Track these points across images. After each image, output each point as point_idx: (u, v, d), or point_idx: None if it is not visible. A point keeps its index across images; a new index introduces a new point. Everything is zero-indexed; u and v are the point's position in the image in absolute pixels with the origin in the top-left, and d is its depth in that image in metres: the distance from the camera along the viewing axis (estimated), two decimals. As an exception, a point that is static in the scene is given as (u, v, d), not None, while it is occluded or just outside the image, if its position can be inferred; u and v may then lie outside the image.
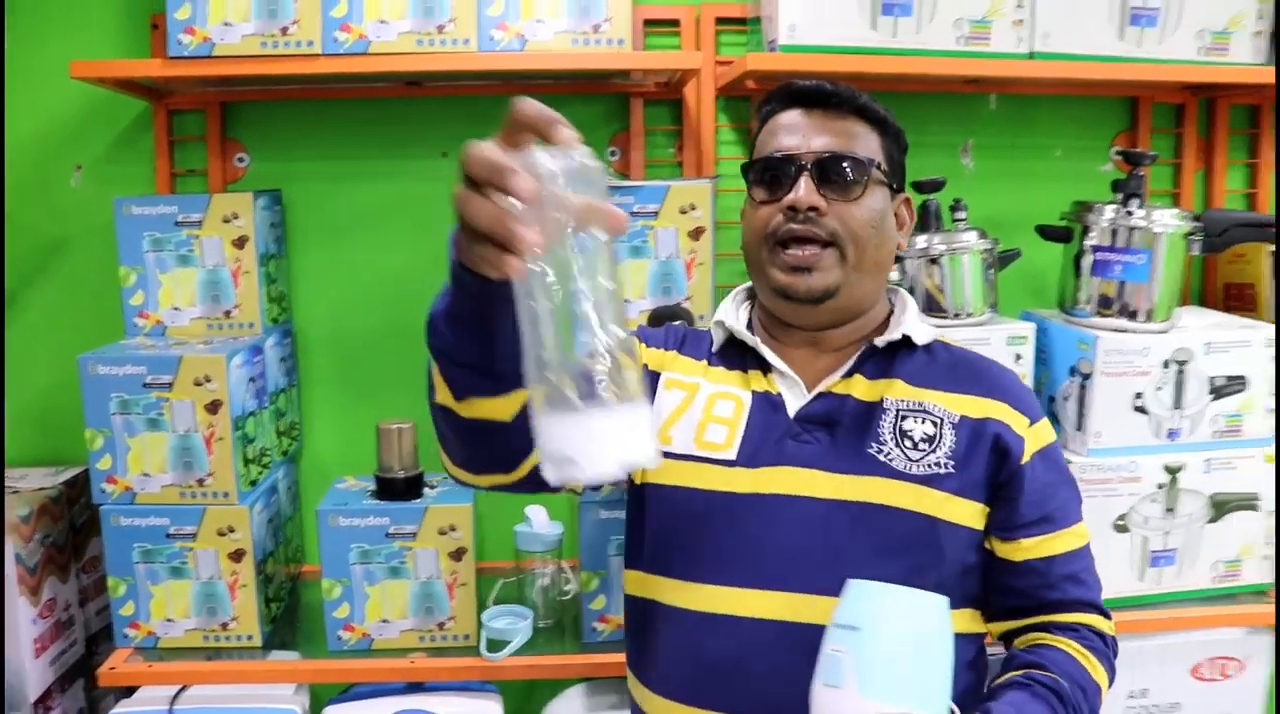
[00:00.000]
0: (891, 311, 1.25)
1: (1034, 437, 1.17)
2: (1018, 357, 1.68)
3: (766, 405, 1.17)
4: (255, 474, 1.68)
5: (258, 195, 1.73)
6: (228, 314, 1.73)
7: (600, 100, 1.92)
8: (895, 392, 1.16)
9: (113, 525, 1.60)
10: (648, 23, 1.88)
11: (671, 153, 1.94)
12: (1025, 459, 1.15)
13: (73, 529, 1.78)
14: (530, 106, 0.74)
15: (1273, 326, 1.75)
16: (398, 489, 1.64)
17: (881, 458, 1.12)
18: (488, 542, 1.73)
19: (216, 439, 1.58)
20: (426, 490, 1.67)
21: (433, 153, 1.93)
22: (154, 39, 1.80)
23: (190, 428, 1.58)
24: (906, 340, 1.19)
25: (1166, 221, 1.69)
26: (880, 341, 1.18)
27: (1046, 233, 1.78)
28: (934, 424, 1.14)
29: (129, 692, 1.65)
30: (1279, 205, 1.98)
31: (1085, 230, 1.73)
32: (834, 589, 0.99)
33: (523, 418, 0.92)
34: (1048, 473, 1.17)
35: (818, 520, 1.10)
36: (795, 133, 1.16)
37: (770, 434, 1.15)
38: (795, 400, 1.17)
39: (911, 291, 1.68)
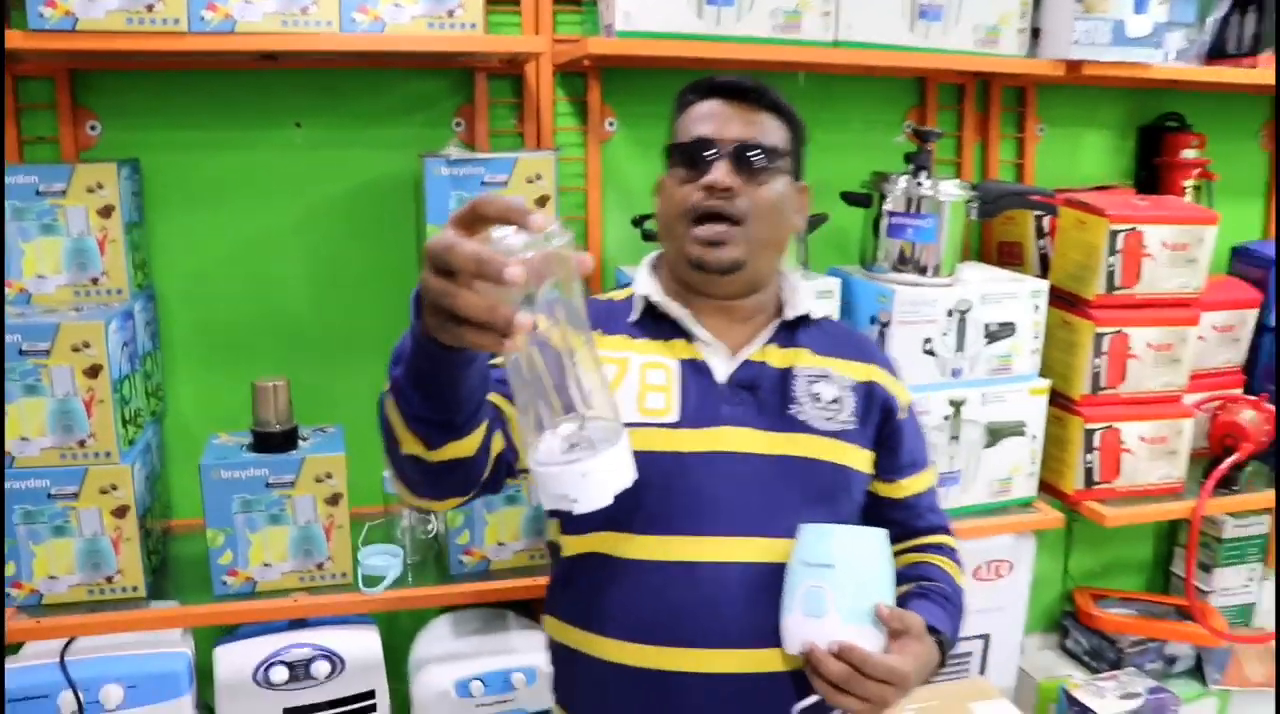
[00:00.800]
0: (783, 289, 1.44)
1: (903, 395, 1.45)
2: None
3: (694, 371, 1.33)
4: (132, 434, 1.79)
5: (120, 165, 1.82)
6: (95, 281, 1.82)
7: (446, 75, 2.08)
8: (803, 360, 1.36)
9: (-13, 488, 1.69)
10: (490, 1, 2.05)
11: (513, 124, 2.13)
12: (903, 415, 1.42)
13: (-63, 495, 1.84)
14: (498, 204, 0.84)
15: (1039, 280, 2.11)
16: (275, 442, 1.79)
17: (801, 417, 1.32)
18: (357, 488, 1.90)
19: (97, 401, 1.68)
20: (301, 442, 1.83)
21: (287, 123, 2.05)
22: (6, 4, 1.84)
23: (69, 392, 1.67)
24: (806, 316, 1.40)
25: (950, 191, 2.01)
26: (790, 316, 1.38)
27: (849, 198, 2.08)
28: (837, 388, 1.36)
29: (13, 649, 1.76)
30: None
31: (882, 197, 2.04)
32: (776, 532, 1.25)
33: (483, 448, 1.13)
34: (912, 424, 1.46)
35: (756, 473, 1.29)
36: (715, 121, 1.32)
37: (705, 397, 1.31)
38: (721, 366, 1.34)
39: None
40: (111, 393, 1.69)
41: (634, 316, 1.38)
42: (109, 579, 1.75)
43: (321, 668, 1.76)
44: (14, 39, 1.67)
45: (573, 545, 1.34)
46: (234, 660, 1.75)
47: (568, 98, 2.16)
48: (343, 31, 1.75)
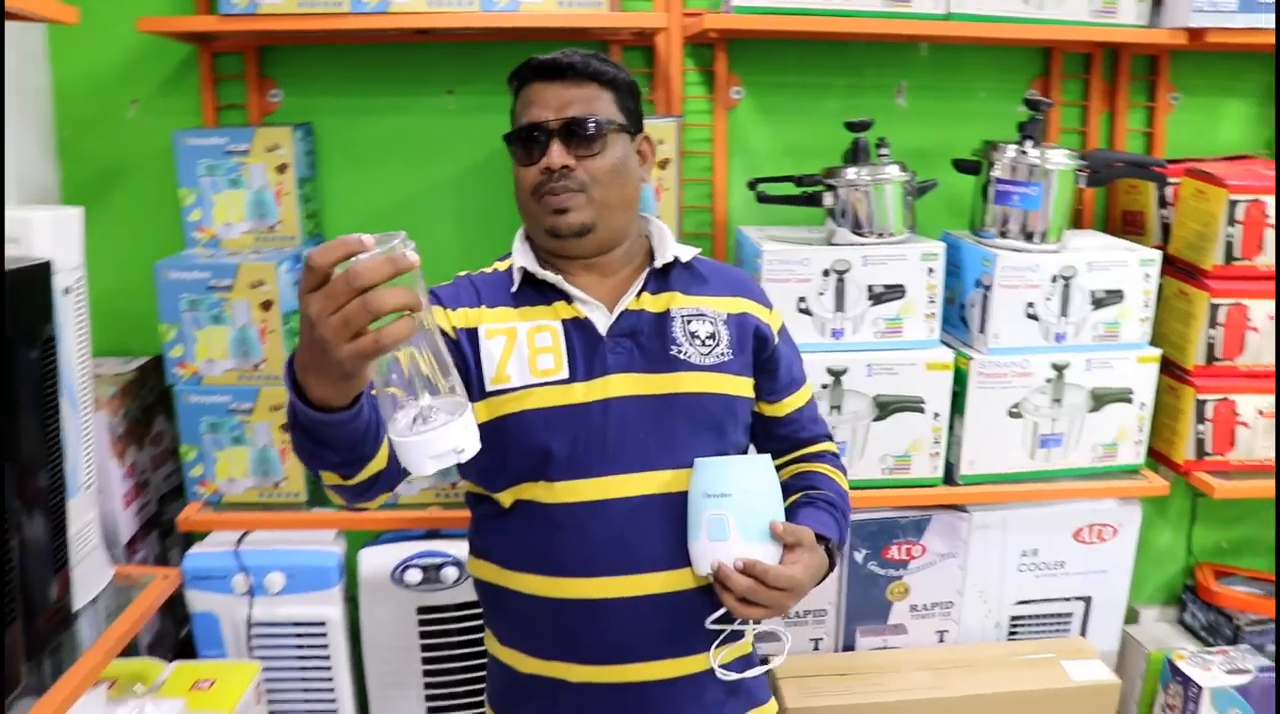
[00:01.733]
0: (651, 238, 1.57)
1: (774, 321, 1.58)
2: (930, 270, 2.09)
3: (578, 328, 1.46)
4: (297, 363, 2.11)
5: (295, 128, 2.14)
6: (272, 229, 2.15)
7: (582, 46, 2.30)
8: (676, 302, 1.49)
9: (185, 402, 2.04)
10: (624, -24, 2.27)
11: (645, 92, 2.34)
12: (776, 341, 1.56)
13: (144, 407, 2.22)
14: (332, 249, 0.96)
15: (1151, 249, 2.18)
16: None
17: (681, 356, 1.46)
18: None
19: (269, 331, 2.01)
20: (439, 377, 2.11)
21: (440, 91, 2.33)
22: (200, -8, 2.19)
23: (247, 323, 2.01)
24: (676, 260, 1.53)
25: (1057, 159, 2.10)
26: (658, 263, 1.50)
27: (960, 166, 2.20)
28: (711, 323, 1.49)
29: (197, 540, 2.12)
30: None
31: (991, 165, 2.15)
32: (673, 464, 1.42)
33: (392, 458, 1.22)
34: (788, 347, 1.60)
35: (646, 413, 1.43)
36: (541, 104, 1.45)
37: (590, 351, 1.45)
38: (601, 320, 1.46)
39: (844, 214, 2.11)
40: (281, 324, 2.01)
41: (514, 287, 1.50)
42: (276, 485, 2.09)
43: (449, 573, 2.04)
44: (209, 22, 2.00)
45: (500, 497, 1.48)
46: (375, 561, 2.05)
47: (697, 67, 2.35)
48: (483, 10, 2.01)
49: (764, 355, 1.55)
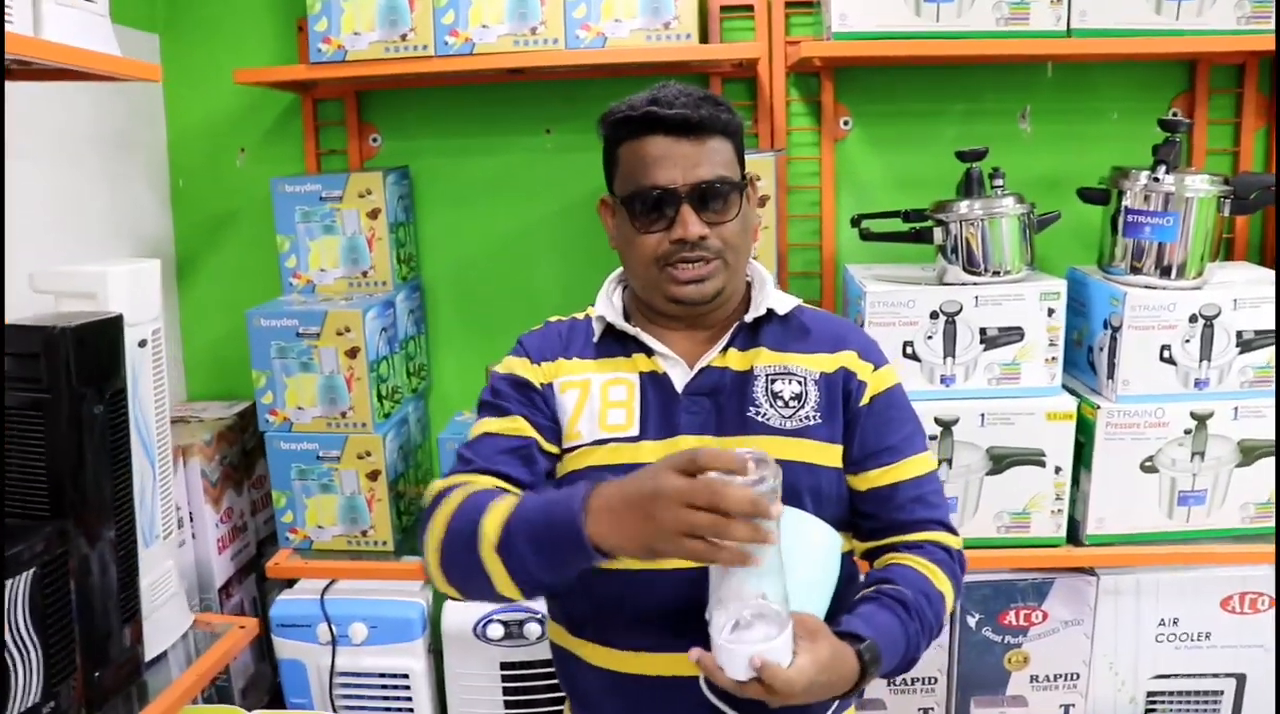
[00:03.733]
0: (750, 286, 1.45)
1: (876, 381, 1.39)
2: (1050, 311, 1.95)
3: (654, 384, 1.37)
4: (388, 408, 2.13)
5: (387, 173, 2.17)
6: (365, 274, 2.18)
7: (682, 80, 2.26)
8: (762, 359, 1.37)
9: (275, 449, 2.09)
10: (724, 9, 2.21)
11: (749, 126, 2.28)
12: (865, 401, 1.38)
13: (244, 452, 2.28)
14: (724, 458, 1.05)
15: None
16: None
17: (759, 419, 1.34)
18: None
19: (355, 379, 2.04)
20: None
21: (538, 130, 2.33)
22: (300, 40, 2.25)
23: (334, 370, 2.04)
24: (770, 311, 1.40)
25: (1196, 185, 1.93)
26: (749, 318, 1.39)
27: (1086, 196, 2.05)
28: (799, 383, 1.36)
29: (290, 584, 2.16)
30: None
31: (1121, 193, 1.99)
32: None
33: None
34: (888, 411, 1.39)
35: None
36: (669, 165, 1.31)
37: (664, 409, 1.36)
38: (680, 377, 1.37)
39: (955, 251, 1.99)
40: (368, 372, 2.04)
41: (595, 337, 1.43)
42: (363, 533, 2.10)
43: (532, 630, 2.01)
44: (298, 72, 2.06)
45: None
46: (459, 615, 2.04)
47: (803, 98, 2.28)
48: (568, 48, 1.99)
49: (848, 415, 1.38)
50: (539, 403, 1.39)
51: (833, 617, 1.27)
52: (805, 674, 1.12)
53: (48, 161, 1.98)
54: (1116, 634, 2.06)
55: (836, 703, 1.35)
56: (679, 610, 1.28)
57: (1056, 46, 1.97)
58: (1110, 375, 1.97)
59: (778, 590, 1.11)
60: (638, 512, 1.07)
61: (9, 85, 1.72)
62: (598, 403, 1.38)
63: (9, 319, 1.68)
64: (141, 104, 2.31)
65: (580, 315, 1.49)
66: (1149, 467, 1.97)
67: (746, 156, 1.46)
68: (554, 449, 1.37)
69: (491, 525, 1.18)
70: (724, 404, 1.36)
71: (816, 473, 1.34)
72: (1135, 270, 1.98)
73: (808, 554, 1.24)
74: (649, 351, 1.39)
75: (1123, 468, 1.97)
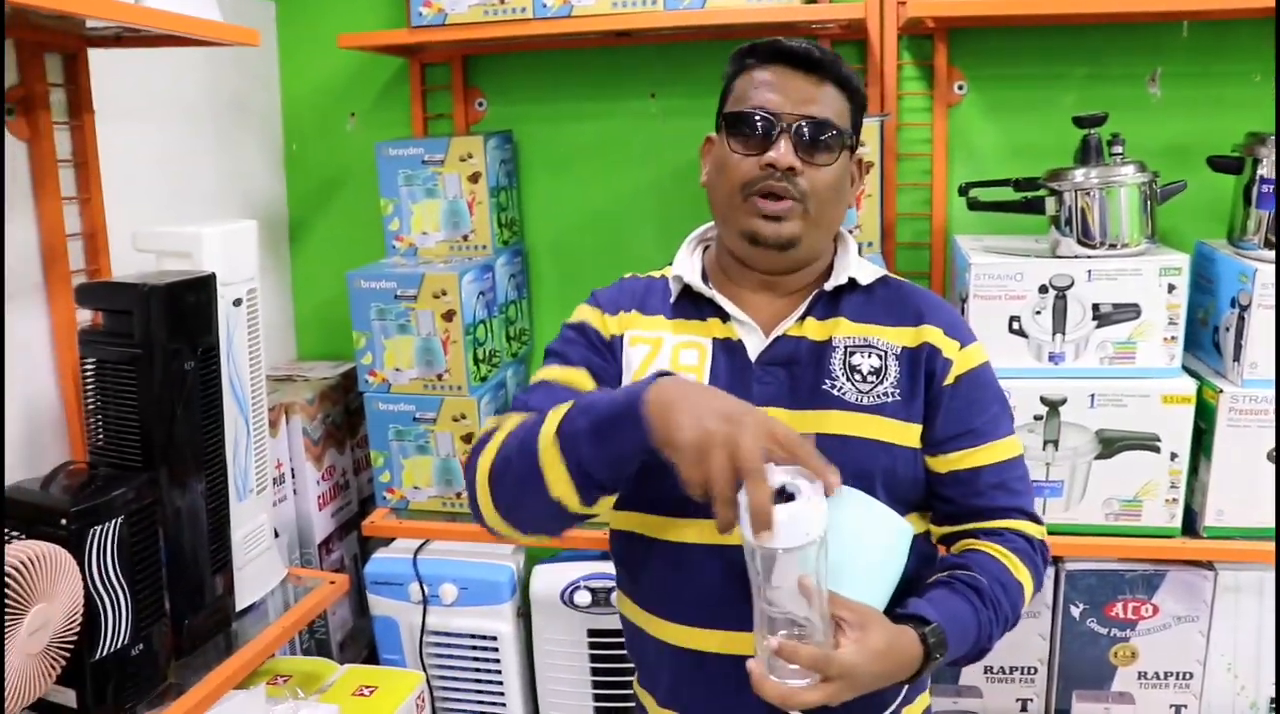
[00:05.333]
0: (835, 254, 1.40)
1: (962, 359, 1.32)
2: (1170, 287, 1.84)
3: (728, 350, 1.33)
4: (485, 372, 2.15)
5: (488, 137, 2.18)
6: (465, 238, 2.21)
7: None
8: (841, 330, 1.32)
9: (374, 409, 2.13)
10: (833, -34, 2.14)
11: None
12: (949, 380, 1.31)
13: (348, 412, 2.34)
14: (818, 462, 1.04)
15: None
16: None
17: (835, 392, 1.28)
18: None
19: (451, 342, 2.06)
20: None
21: (643, 94, 2.31)
22: (405, 5, 2.27)
23: (431, 332, 2.07)
24: (852, 281, 1.35)
25: (1342, 152, 1.79)
26: (829, 286, 1.34)
27: (1216, 164, 1.91)
28: (879, 357, 1.31)
29: (388, 543, 2.21)
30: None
31: (1256, 161, 1.86)
32: None
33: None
34: (973, 391, 1.33)
35: None
36: (780, 92, 1.28)
37: (735, 377, 1.31)
38: (754, 345, 1.32)
39: (1069, 222, 1.89)
40: (464, 335, 2.06)
41: (672, 298, 1.39)
42: (459, 495, 2.14)
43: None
44: (400, 36, 2.08)
45: (615, 520, 1.38)
46: (547, 580, 2.06)
47: (915, 61, 2.19)
48: (666, 9, 1.96)
49: (930, 394, 1.32)
50: (604, 352, 1.37)
51: (903, 600, 1.22)
52: (848, 668, 1.08)
53: (157, 125, 2.05)
54: (1236, 634, 1.94)
55: (905, 689, 1.31)
56: (731, 588, 1.25)
57: (1193, 2, 1.84)
58: (1236, 357, 1.85)
59: (808, 609, 1.06)
60: (702, 409, 1.04)
61: (119, 51, 1.80)
62: (667, 364, 1.34)
63: (115, 276, 1.77)
64: (256, 70, 2.37)
65: (657, 274, 1.45)
66: (1276, 456, 1.84)
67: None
68: None
69: (554, 418, 1.15)
70: (799, 375, 1.30)
71: (891, 452, 1.28)
72: (1269, 245, 1.85)
73: (869, 542, 1.18)
74: (725, 317, 1.35)
75: (1246, 456, 1.85)
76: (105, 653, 1.41)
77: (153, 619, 1.50)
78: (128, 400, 1.53)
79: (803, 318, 1.33)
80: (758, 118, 1.27)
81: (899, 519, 1.19)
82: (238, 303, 1.70)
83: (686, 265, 1.39)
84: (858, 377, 1.30)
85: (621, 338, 1.38)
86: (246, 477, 1.76)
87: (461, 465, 2.12)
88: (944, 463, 1.32)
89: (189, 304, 1.56)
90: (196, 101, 2.18)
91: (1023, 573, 1.29)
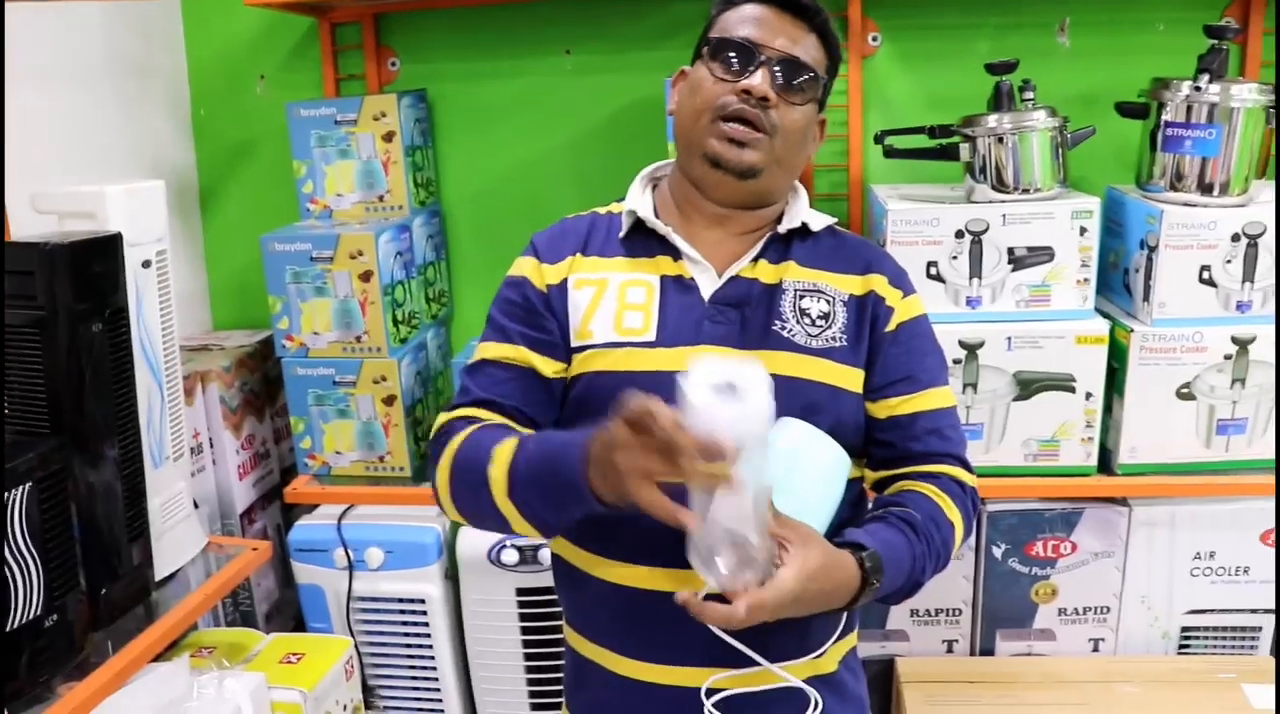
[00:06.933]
0: (787, 201, 1.41)
1: (904, 308, 1.36)
2: (1082, 230, 1.88)
3: (679, 288, 1.33)
4: (405, 333, 2.13)
5: (402, 95, 2.15)
6: (381, 199, 2.17)
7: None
8: (791, 273, 1.33)
9: (292, 374, 2.10)
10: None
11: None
12: (890, 327, 1.35)
13: (266, 380, 2.30)
14: (706, 445, 0.99)
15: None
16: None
17: (785, 334, 1.30)
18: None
19: (370, 303, 2.03)
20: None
21: (558, 51, 2.29)
22: (314, -39, 2.23)
23: (349, 294, 2.03)
24: (804, 227, 1.37)
25: (1243, 95, 1.83)
26: (782, 229, 1.35)
27: (1124, 109, 1.95)
28: (827, 302, 1.33)
29: (312, 510, 2.18)
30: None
31: (1161, 106, 1.90)
32: None
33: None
34: (913, 339, 1.36)
35: None
36: (764, 27, 1.30)
37: (686, 315, 1.31)
38: (707, 284, 1.33)
39: (983, 169, 1.92)
40: (382, 296, 2.03)
41: (622, 232, 1.38)
42: (381, 458, 2.11)
43: (546, 556, 2.00)
44: (308, -11, 2.03)
45: None
46: (473, 540, 2.04)
47: (832, 13, 2.18)
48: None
49: (872, 341, 1.35)
50: (543, 317, 1.35)
51: (838, 534, 1.24)
52: (788, 585, 1.09)
53: (56, 87, 1.98)
54: (1150, 567, 2.00)
55: (842, 624, 1.33)
56: (671, 526, 1.26)
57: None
58: (1146, 298, 1.90)
59: (750, 517, 1.07)
60: (606, 464, 1.06)
61: (10, 7, 1.73)
62: (614, 303, 1.33)
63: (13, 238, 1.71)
64: (158, 30, 2.30)
65: (603, 210, 1.44)
66: (1186, 393, 1.90)
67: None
68: (559, 366, 1.33)
69: (498, 474, 1.18)
70: (749, 316, 1.32)
71: (838, 396, 1.31)
72: (1175, 188, 1.89)
73: (811, 469, 1.21)
74: (676, 254, 1.35)
75: (1158, 395, 1.90)
76: (16, 624, 1.37)
77: (66, 589, 1.46)
78: (33, 365, 1.48)
79: (756, 259, 1.34)
80: (742, 45, 1.29)
81: (839, 449, 1.22)
82: (146, 264, 1.66)
83: (640, 201, 1.39)
84: (806, 320, 1.32)
85: (564, 284, 1.36)
86: (162, 443, 1.72)
87: (384, 429, 2.10)
88: (884, 408, 1.35)
89: (94, 264, 1.51)
90: (94, 64, 2.11)
91: (955, 514, 1.31)
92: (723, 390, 1.01)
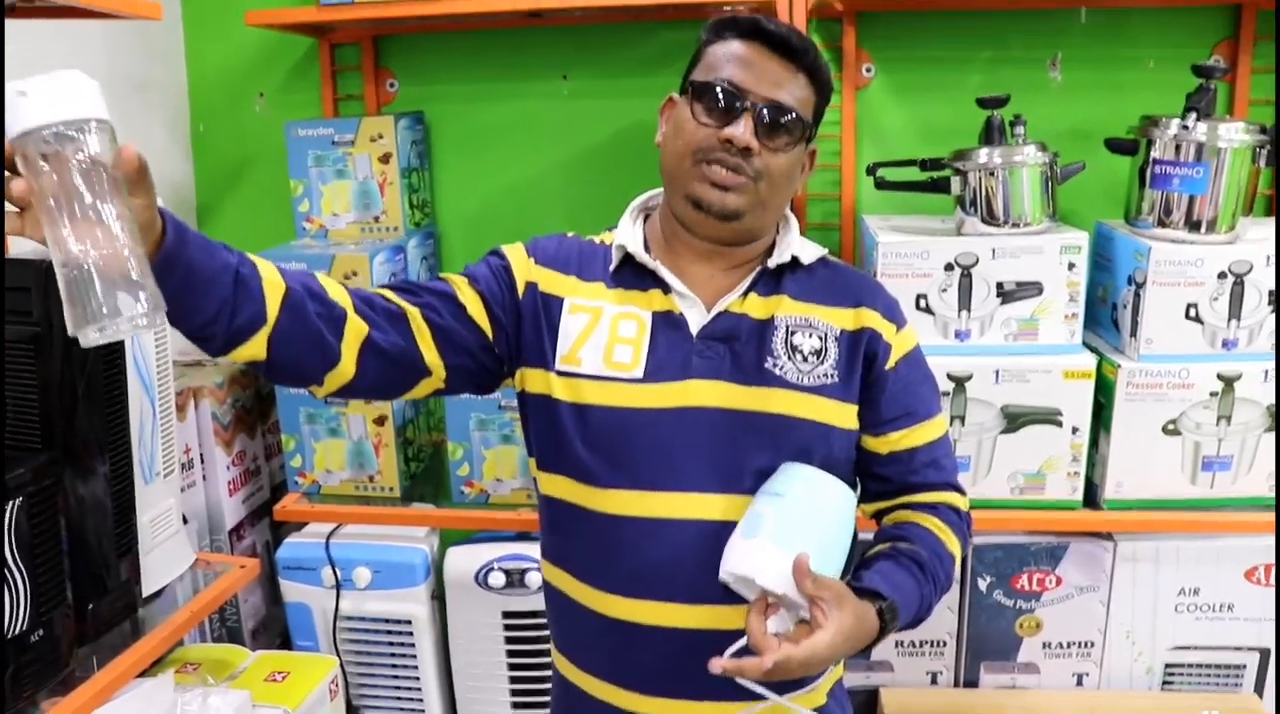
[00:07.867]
0: (778, 232, 1.41)
1: (899, 342, 1.37)
2: (1070, 265, 1.90)
3: (668, 324, 1.33)
4: (397, 355, 2.15)
5: (399, 117, 2.18)
6: (376, 219, 2.20)
7: (697, 25, 2.23)
8: (784, 308, 1.33)
9: (284, 393, 2.12)
10: (743, -50, 2.18)
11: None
12: (890, 364, 1.35)
13: (259, 397, 2.32)
14: None
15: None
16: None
17: (777, 371, 1.30)
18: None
19: (362, 325, 2.05)
20: (534, 373, 2.10)
21: (555, 76, 2.32)
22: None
23: (342, 315, 2.05)
24: (794, 259, 1.36)
25: (1231, 135, 1.86)
26: (772, 263, 1.35)
27: (1113, 146, 1.99)
28: (819, 338, 1.33)
29: (300, 527, 2.20)
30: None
31: (1150, 143, 1.93)
32: (742, 489, 1.26)
33: (275, 352, 1.25)
34: (910, 373, 1.38)
35: (722, 428, 1.28)
36: (751, 71, 1.28)
37: (674, 351, 1.31)
38: (696, 318, 1.33)
39: (974, 202, 1.95)
40: (375, 317, 2.05)
41: (613, 266, 1.38)
42: (370, 478, 2.13)
43: (533, 579, 2.03)
44: (308, 13, 2.07)
45: (544, 484, 1.39)
46: (460, 561, 2.06)
47: (824, 43, 2.23)
48: (589, -11, 1.98)
49: (870, 377, 1.36)
50: (508, 298, 1.36)
51: (851, 571, 1.29)
52: (822, 647, 1.13)
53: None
54: (1134, 602, 2.02)
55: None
56: (682, 562, 1.28)
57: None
58: (1133, 333, 1.92)
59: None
60: None
61: (12, 23, 1.76)
62: (605, 336, 1.34)
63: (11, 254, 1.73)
64: (159, 47, 2.33)
65: (597, 239, 1.45)
66: (1171, 430, 1.92)
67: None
68: (487, 329, 1.34)
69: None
70: (740, 351, 1.32)
71: (831, 434, 1.32)
72: (1163, 224, 1.92)
73: (826, 514, 1.23)
74: (666, 288, 1.35)
75: (1144, 430, 1.92)
76: (2, 639, 1.39)
77: (53, 604, 1.47)
78: (26, 380, 1.50)
79: (745, 294, 1.35)
80: (725, 90, 1.28)
81: (847, 488, 1.25)
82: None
83: (630, 234, 1.39)
84: (799, 356, 1.32)
85: (561, 302, 1.37)
86: (153, 459, 1.73)
87: (374, 448, 2.12)
88: (884, 443, 1.37)
89: (89, 282, 1.54)
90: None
91: (954, 544, 1.35)
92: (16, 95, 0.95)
